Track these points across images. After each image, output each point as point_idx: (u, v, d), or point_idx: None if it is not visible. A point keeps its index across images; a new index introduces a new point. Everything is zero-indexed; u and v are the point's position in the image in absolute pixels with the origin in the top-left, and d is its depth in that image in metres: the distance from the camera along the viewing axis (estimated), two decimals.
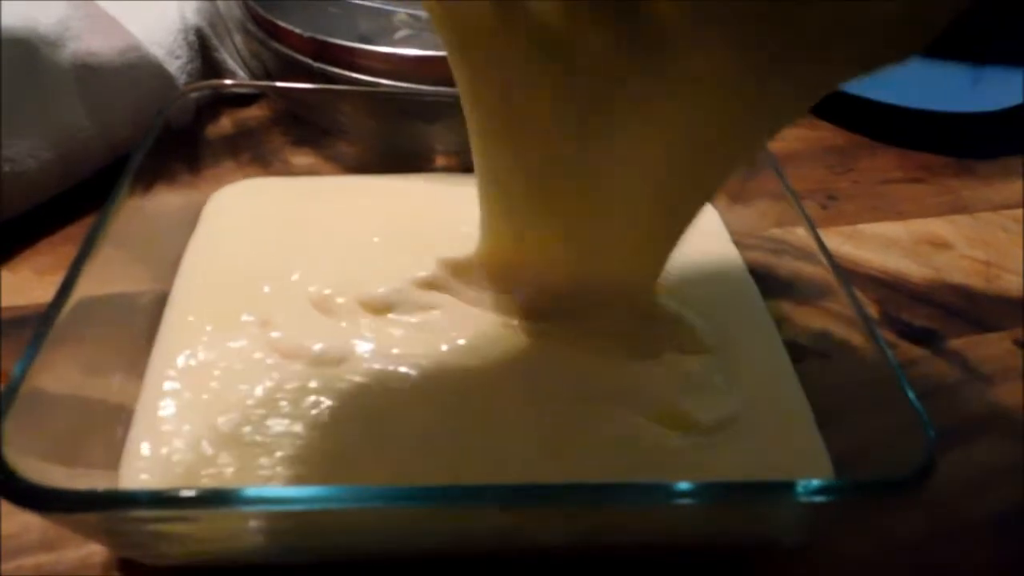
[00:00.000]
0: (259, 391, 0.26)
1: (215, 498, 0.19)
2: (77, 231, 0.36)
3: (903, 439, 0.23)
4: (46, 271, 0.34)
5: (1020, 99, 0.53)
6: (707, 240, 0.36)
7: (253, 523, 0.21)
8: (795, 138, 0.52)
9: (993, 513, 0.30)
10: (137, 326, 0.28)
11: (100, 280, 0.26)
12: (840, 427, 0.28)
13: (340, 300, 0.30)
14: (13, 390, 0.20)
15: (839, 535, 0.28)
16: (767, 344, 0.31)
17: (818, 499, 0.20)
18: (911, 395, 0.23)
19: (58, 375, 0.23)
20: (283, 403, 0.26)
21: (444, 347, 0.28)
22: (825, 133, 0.53)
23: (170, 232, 0.32)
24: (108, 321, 0.27)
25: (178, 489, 0.19)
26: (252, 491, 0.19)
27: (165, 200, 0.33)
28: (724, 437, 0.26)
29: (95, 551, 0.25)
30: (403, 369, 0.27)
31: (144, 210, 0.30)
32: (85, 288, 0.25)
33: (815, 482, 0.21)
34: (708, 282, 0.34)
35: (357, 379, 0.27)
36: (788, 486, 0.21)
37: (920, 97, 0.52)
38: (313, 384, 0.26)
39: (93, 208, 0.36)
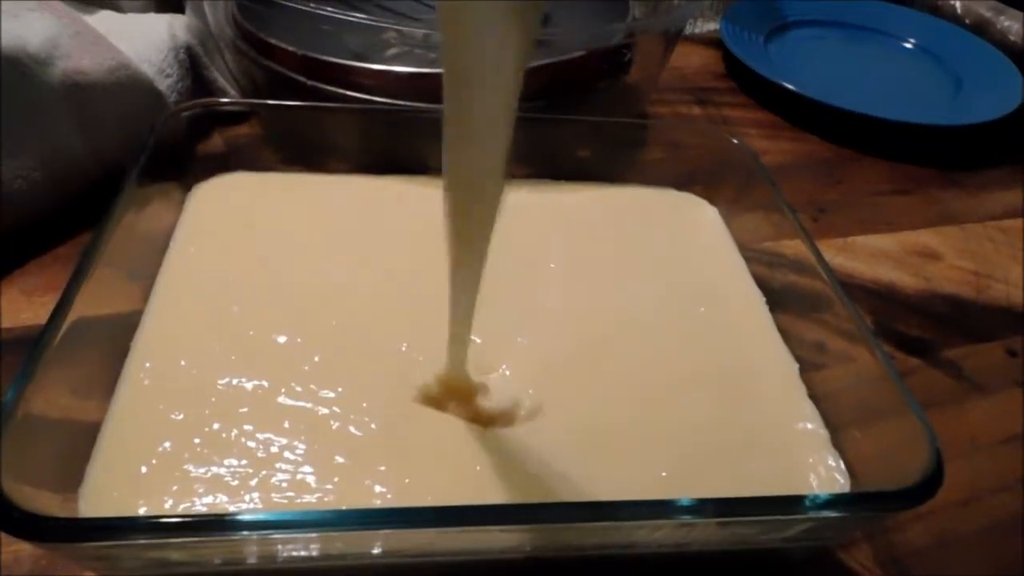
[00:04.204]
0: (222, 411, 0.25)
1: (218, 524, 0.19)
2: (67, 251, 0.35)
3: (905, 451, 0.23)
4: (35, 292, 0.33)
5: (1002, 112, 0.55)
6: (715, 253, 0.36)
7: (251, 547, 0.21)
8: (783, 151, 0.52)
9: (990, 521, 0.30)
10: (130, 346, 0.28)
11: (94, 301, 0.25)
12: (841, 438, 0.28)
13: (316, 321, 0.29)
14: (6, 417, 0.20)
15: (840, 544, 0.28)
16: (778, 357, 0.31)
17: (827, 513, 0.20)
18: (916, 408, 0.24)
19: (50, 399, 0.23)
20: (246, 425, 0.25)
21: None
22: (813, 146, 0.53)
23: (163, 251, 0.32)
24: (101, 342, 0.27)
25: (179, 516, 0.18)
26: (249, 516, 0.19)
27: (158, 219, 0.32)
28: (740, 452, 0.26)
29: None
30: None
31: (137, 229, 0.29)
32: (79, 309, 0.24)
33: (823, 495, 0.21)
34: (717, 297, 0.34)
35: (319, 408, 0.26)
36: (797, 500, 0.21)
37: (905, 110, 0.53)
38: (280, 402, 0.26)
39: (83, 228, 0.36)
